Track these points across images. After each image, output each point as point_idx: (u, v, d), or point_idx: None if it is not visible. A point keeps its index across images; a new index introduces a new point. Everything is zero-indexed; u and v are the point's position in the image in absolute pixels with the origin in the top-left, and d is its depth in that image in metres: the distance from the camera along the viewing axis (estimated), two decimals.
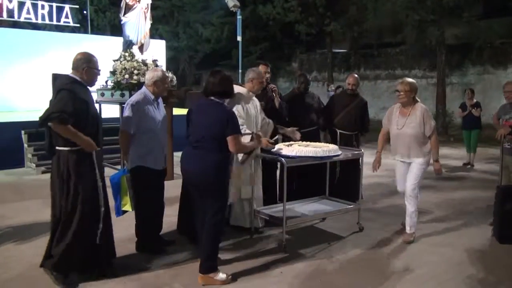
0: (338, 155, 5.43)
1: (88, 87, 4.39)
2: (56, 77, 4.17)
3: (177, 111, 9.73)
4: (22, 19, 15.67)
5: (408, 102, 5.37)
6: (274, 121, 5.84)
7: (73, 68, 4.29)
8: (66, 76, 4.28)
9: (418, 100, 5.48)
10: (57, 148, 4.14)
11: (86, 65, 4.26)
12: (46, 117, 3.94)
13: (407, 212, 5.44)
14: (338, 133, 6.80)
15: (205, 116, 4.28)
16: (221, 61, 25.78)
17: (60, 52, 14.42)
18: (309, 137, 6.04)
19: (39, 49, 14.40)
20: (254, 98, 5.66)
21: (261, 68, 6.10)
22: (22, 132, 10.04)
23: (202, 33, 25.08)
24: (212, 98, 4.33)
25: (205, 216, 4.31)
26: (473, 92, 10.97)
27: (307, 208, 5.80)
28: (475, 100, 10.85)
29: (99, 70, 4.45)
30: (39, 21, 16.12)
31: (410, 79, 5.45)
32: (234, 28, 19.06)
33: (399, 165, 5.61)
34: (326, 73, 23.58)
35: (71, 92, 4.05)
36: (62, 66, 12.78)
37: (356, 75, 7.05)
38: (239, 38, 16.01)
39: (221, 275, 4.29)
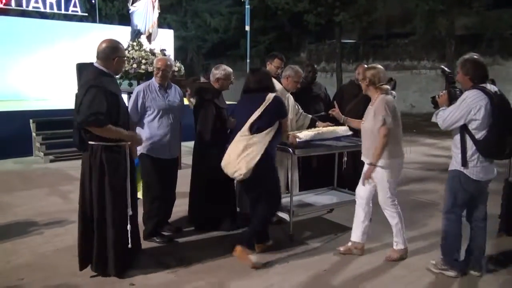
0: (348, 136, 5.51)
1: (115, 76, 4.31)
2: (81, 67, 3.98)
3: (185, 101, 9.71)
4: (30, 8, 15.67)
5: (370, 91, 4.59)
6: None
7: (98, 58, 4.04)
8: (92, 66, 4.06)
9: (390, 91, 4.74)
10: (90, 143, 3.97)
11: (116, 55, 4.06)
12: (83, 121, 3.81)
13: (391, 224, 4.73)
14: (347, 124, 6.74)
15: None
16: (229, 51, 25.74)
17: (68, 41, 14.48)
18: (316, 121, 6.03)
19: (47, 38, 14.42)
20: (289, 95, 5.64)
21: (276, 62, 5.95)
22: (31, 121, 10.07)
23: (210, 22, 25.02)
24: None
25: (256, 202, 4.58)
26: (494, 83, 9.92)
27: (314, 199, 5.80)
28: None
29: (128, 58, 4.31)
30: (48, 10, 16.13)
31: (373, 65, 4.68)
32: (242, 17, 18.99)
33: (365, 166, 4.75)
34: (334, 64, 23.49)
35: (101, 88, 3.86)
36: (70, 55, 12.92)
37: (366, 65, 6.98)
38: (247, 28, 15.95)
39: (255, 257, 4.50)
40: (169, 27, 20.93)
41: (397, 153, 4.50)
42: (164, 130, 4.93)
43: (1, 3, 14.79)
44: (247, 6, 16.02)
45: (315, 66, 7.11)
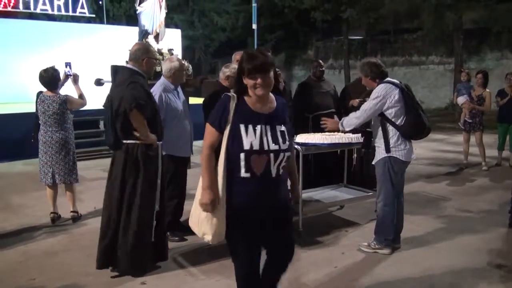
0: (358, 143, 5.39)
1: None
2: (116, 70, 4.13)
3: (193, 100, 9.74)
4: (38, 10, 15.76)
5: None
6: None
7: (131, 60, 4.26)
8: (127, 68, 4.26)
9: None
10: (125, 141, 4.10)
11: (146, 56, 4.24)
12: (127, 109, 3.90)
13: None
14: None
15: None
16: (236, 49, 25.69)
17: (76, 42, 14.52)
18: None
19: (55, 40, 14.48)
20: None
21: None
22: None
23: (217, 21, 25.00)
24: None
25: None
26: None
27: (325, 196, 5.79)
28: None
29: (158, 60, 4.43)
30: (55, 12, 16.21)
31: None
32: (249, 16, 18.95)
33: None
34: (342, 61, 23.43)
35: (138, 83, 4.05)
36: (78, 56, 12.95)
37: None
38: (254, 26, 15.91)
39: None
40: (176, 27, 20.92)
41: None
42: (187, 128, 5.06)
43: (10, 6, 14.87)
44: (254, 4, 15.97)
45: (321, 61, 7.14)
